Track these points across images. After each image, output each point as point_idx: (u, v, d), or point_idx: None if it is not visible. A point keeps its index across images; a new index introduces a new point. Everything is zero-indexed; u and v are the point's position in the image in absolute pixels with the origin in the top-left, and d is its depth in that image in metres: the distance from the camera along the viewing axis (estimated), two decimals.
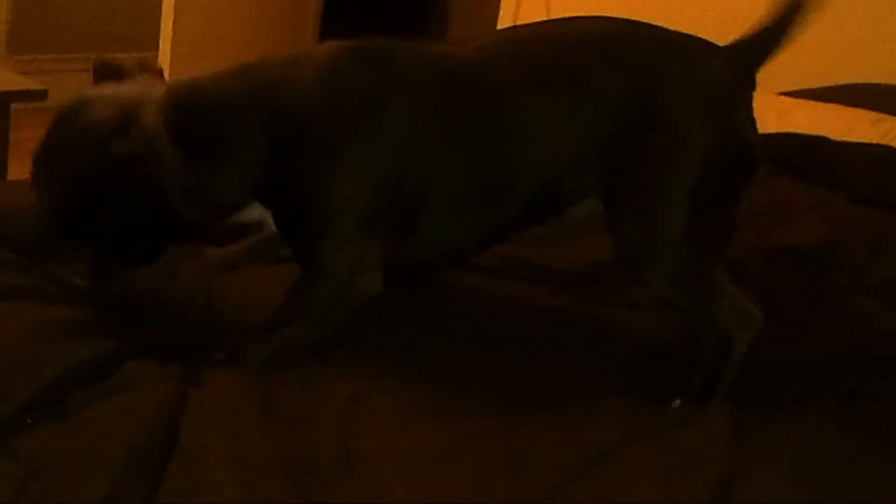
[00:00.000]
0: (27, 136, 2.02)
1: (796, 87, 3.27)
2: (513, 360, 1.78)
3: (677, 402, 1.74)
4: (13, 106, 3.62)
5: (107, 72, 1.78)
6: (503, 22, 4.77)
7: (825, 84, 3.31)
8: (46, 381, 1.50)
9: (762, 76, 1.85)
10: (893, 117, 2.96)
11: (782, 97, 3.16)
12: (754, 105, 1.85)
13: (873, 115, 2.99)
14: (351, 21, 7.43)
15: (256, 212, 1.77)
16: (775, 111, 2.97)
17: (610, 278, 2.12)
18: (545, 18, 4.14)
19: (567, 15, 1.94)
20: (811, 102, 3.16)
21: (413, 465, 1.40)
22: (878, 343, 1.93)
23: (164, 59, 4.30)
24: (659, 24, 1.87)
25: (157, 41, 4.29)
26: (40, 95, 3.59)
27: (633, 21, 1.85)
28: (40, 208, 1.70)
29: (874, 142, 2.83)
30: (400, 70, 1.76)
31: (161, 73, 1.86)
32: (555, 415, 1.60)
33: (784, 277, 2.16)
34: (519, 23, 4.66)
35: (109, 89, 1.72)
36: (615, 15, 1.87)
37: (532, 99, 1.76)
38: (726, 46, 1.82)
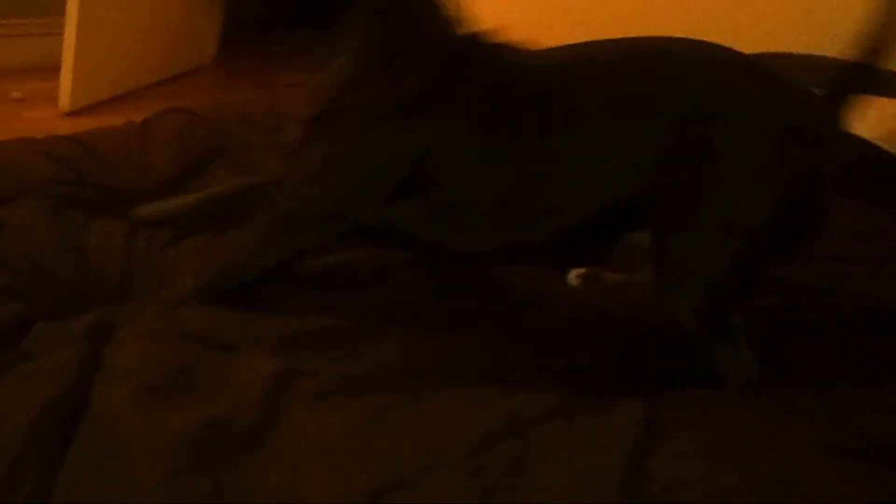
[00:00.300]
0: None
1: None
2: (449, 335, 1.76)
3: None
4: None
5: None
6: None
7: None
8: None
9: None
10: None
11: None
12: None
13: None
14: None
15: None
16: None
17: None
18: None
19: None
20: None
21: (327, 442, 1.40)
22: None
23: (69, 24, 4.25)
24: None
25: (64, 7, 4.24)
26: None
27: (730, 50, 1.76)
28: None
29: None
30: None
31: None
32: (471, 389, 1.59)
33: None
34: None
35: None
36: None
37: (592, 117, 1.72)
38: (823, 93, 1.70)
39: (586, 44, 1.81)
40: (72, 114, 4.33)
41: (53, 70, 4.37)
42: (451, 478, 1.37)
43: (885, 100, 2.07)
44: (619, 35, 1.81)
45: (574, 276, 2.05)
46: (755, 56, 1.82)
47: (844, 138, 1.75)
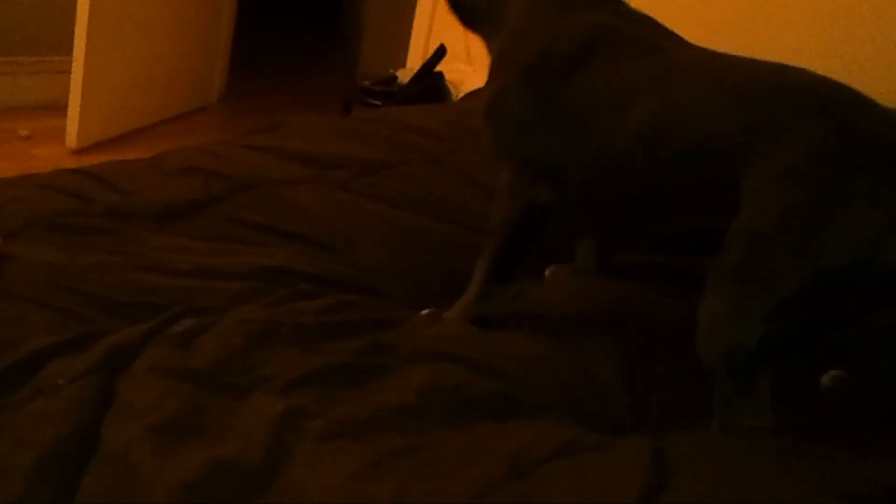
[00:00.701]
0: None
1: None
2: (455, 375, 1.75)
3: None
4: None
5: None
6: (418, 26, 4.78)
7: None
8: None
9: None
10: None
11: None
12: None
13: None
14: (266, 20, 7.44)
15: None
16: None
17: None
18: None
19: None
20: None
21: (333, 487, 1.39)
22: None
23: (77, 63, 4.26)
24: None
25: (71, 45, 4.25)
26: None
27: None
28: None
29: None
30: None
31: None
32: (475, 430, 1.58)
33: None
34: (433, 27, 4.69)
35: None
36: None
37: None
38: None
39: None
40: (79, 151, 4.34)
41: (60, 108, 4.39)
42: None
43: None
44: None
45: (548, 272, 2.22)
46: None
47: None
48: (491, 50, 2.12)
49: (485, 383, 1.71)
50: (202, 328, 1.74)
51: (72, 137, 4.36)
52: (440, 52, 4.37)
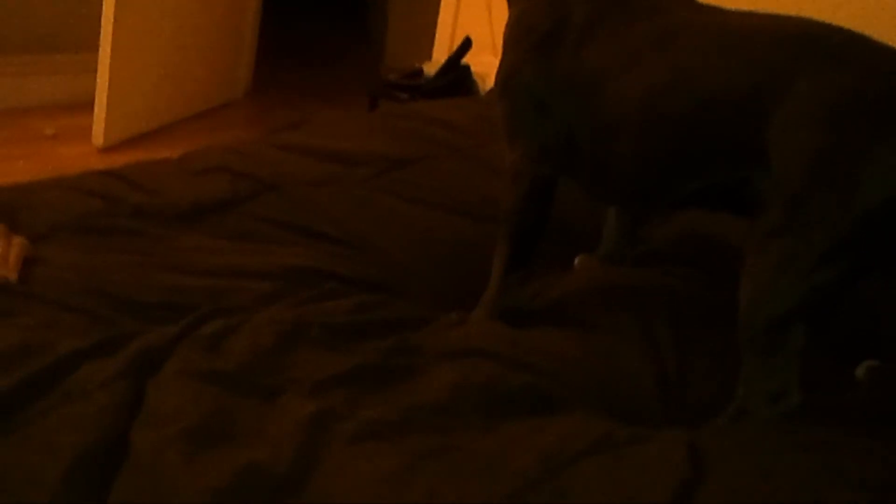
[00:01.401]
0: None
1: None
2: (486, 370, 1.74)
3: None
4: None
5: None
6: (443, 18, 4.76)
7: None
8: None
9: None
10: None
11: None
12: None
13: None
14: (290, 13, 7.44)
15: None
16: None
17: None
18: (486, 14, 4.15)
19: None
20: None
21: (365, 490, 1.39)
22: None
23: (103, 60, 4.26)
24: None
25: (97, 42, 4.25)
26: None
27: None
28: None
29: None
30: None
31: None
32: (506, 427, 1.57)
33: None
34: (458, 19, 4.67)
35: None
36: None
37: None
38: None
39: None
40: (106, 149, 4.34)
41: (86, 106, 4.39)
42: None
43: None
44: None
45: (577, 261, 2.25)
46: None
47: None
48: (510, 10, 2.12)
49: (514, 379, 1.70)
50: (231, 329, 1.74)
51: (98, 135, 4.36)
52: (466, 45, 4.36)
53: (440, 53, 4.70)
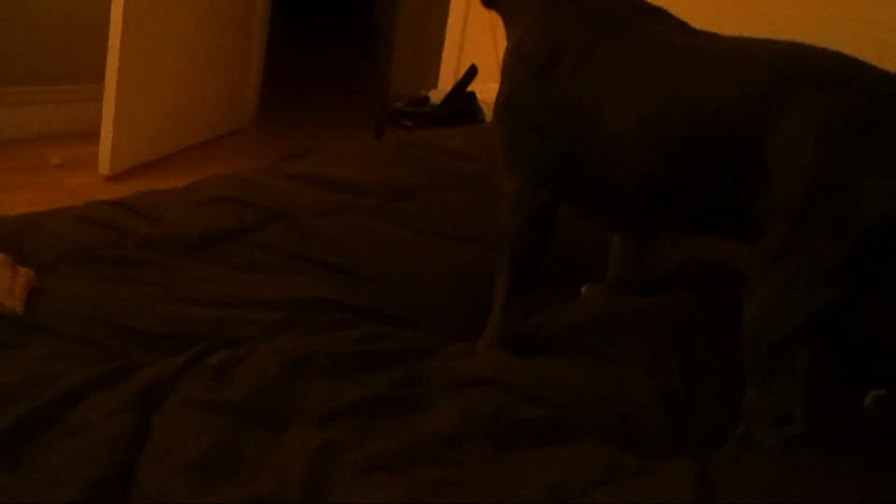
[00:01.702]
0: None
1: None
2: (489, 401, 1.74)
3: None
4: None
5: None
6: (449, 46, 4.77)
7: None
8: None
9: None
10: None
11: None
12: None
13: None
14: (296, 41, 7.46)
15: None
16: None
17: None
18: (491, 41, 4.16)
19: None
20: None
21: None
22: None
23: (109, 90, 4.27)
24: None
25: (103, 71, 4.26)
26: None
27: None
28: None
29: None
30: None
31: None
32: (512, 458, 1.57)
33: None
34: (464, 47, 4.68)
35: None
36: None
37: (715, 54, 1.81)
38: None
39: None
40: (112, 178, 4.35)
41: (92, 135, 4.40)
42: None
43: None
44: None
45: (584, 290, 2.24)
46: None
47: None
48: (508, 36, 2.13)
49: (522, 409, 1.69)
50: (237, 359, 1.74)
51: (104, 164, 4.37)
52: (472, 72, 4.37)
53: (446, 81, 4.72)
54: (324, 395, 1.66)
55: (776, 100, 1.65)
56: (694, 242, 2.44)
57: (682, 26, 1.97)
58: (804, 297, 1.60)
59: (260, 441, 1.53)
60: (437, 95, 4.50)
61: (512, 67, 2.05)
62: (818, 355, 1.66)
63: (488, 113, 4.31)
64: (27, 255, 2.04)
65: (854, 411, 1.85)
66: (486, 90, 4.31)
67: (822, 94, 1.62)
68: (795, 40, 1.79)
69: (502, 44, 2.13)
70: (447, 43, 4.81)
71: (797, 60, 1.70)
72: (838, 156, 1.58)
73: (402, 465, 1.49)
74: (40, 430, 1.49)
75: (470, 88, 4.39)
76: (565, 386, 1.80)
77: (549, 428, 1.66)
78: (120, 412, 1.55)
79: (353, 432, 1.57)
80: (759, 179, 1.67)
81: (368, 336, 1.89)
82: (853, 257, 1.56)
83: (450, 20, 4.81)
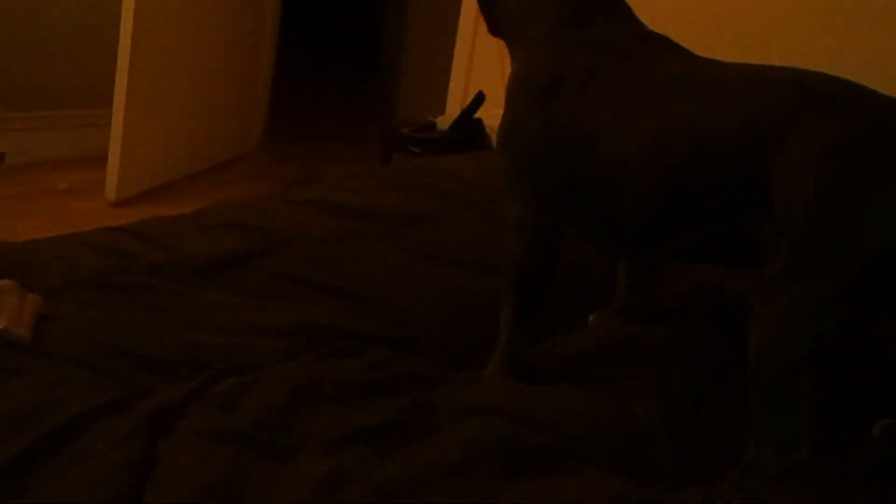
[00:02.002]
0: None
1: None
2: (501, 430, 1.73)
3: None
4: None
5: None
6: (456, 73, 4.78)
7: None
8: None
9: None
10: None
11: None
12: None
13: None
14: (303, 66, 7.47)
15: None
16: None
17: None
18: (499, 68, 4.16)
19: None
20: None
21: None
22: None
23: (117, 116, 4.28)
24: None
25: (110, 97, 4.28)
26: None
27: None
28: None
29: None
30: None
31: None
32: (523, 487, 1.56)
33: None
34: (471, 73, 4.69)
35: None
36: None
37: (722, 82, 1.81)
38: None
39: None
40: (118, 204, 4.36)
41: (99, 161, 4.41)
42: None
43: None
44: None
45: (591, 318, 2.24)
46: None
47: None
48: (512, 64, 2.15)
49: (529, 438, 1.69)
50: (244, 387, 1.73)
51: (111, 190, 4.38)
52: (479, 99, 4.37)
53: (453, 107, 4.72)
54: (331, 423, 1.66)
55: (780, 126, 1.65)
56: (700, 270, 2.43)
57: (685, 54, 1.97)
58: (808, 324, 1.59)
59: (267, 468, 1.52)
60: (444, 121, 4.51)
61: (515, 95, 2.06)
62: (826, 383, 1.65)
63: (495, 139, 4.31)
64: (34, 281, 2.04)
65: (863, 440, 1.84)
66: (494, 116, 4.29)
67: (826, 120, 1.61)
68: (799, 66, 1.79)
69: (509, 71, 2.13)
70: (454, 69, 4.82)
71: (801, 87, 1.70)
72: (842, 182, 1.57)
73: (409, 493, 1.49)
74: (48, 457, 1.49)
75: (477, 115, 4.40)
76: (572, 414, 1.80)
77: (557, 456, 1.66)
78: (127, 439, 1.55)
79: (360, 460, 1.56)
80: (763, 206, 1.67)
81: (376, 363, 1.89)
82: (857, 283, 1.56)
83: (457, 47, 4.82)
